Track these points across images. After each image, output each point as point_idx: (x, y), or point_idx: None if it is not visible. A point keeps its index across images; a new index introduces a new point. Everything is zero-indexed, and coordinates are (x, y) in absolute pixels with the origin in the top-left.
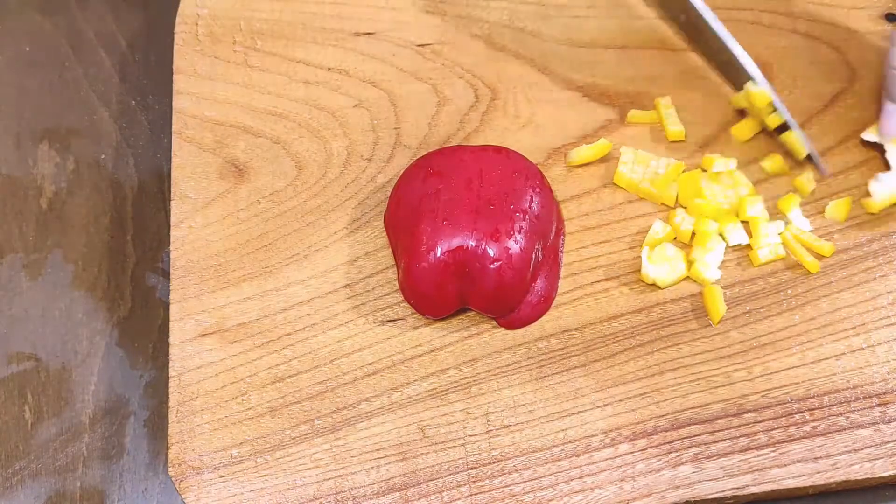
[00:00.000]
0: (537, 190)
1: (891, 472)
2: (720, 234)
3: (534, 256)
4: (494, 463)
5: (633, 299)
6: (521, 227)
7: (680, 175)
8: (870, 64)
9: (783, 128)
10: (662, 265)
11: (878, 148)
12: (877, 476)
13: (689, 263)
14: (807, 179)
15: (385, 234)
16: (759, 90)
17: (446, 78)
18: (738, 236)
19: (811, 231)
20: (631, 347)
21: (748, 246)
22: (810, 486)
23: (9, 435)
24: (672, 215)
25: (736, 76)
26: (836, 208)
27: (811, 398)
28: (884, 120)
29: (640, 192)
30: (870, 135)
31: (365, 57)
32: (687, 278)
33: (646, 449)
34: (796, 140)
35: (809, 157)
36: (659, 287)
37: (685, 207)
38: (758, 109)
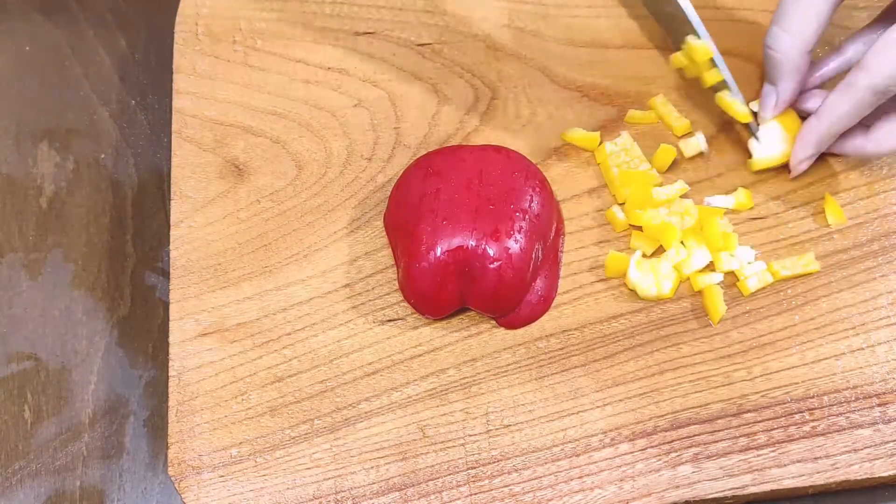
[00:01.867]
0: (537, 190)
1: (890, 473)
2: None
3: (534, 256)
4: (494, 463)
5: (633, 299)
6: (521, 227)
7: (649, 183)
8: None
9: (720, 87)
10: (648, 275)
11: None
12: (876, 476)
13: (680, 270)
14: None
15: (385, 234)
16: (701, 44)
17: (446, 78)
18: (702, 257)
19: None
20: (631, 347)
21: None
22: (810, 486)
23: (8, 434)
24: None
25: (679, 31)
26: (836, 209)
27: (811, 398)
28: (760, 104)
29: (607, 175)
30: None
31: (365, 56)
32: (685, 281)
33: (645, 449)
34: (733, 101)
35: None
36: (639, 296)
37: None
38: (697, 65)
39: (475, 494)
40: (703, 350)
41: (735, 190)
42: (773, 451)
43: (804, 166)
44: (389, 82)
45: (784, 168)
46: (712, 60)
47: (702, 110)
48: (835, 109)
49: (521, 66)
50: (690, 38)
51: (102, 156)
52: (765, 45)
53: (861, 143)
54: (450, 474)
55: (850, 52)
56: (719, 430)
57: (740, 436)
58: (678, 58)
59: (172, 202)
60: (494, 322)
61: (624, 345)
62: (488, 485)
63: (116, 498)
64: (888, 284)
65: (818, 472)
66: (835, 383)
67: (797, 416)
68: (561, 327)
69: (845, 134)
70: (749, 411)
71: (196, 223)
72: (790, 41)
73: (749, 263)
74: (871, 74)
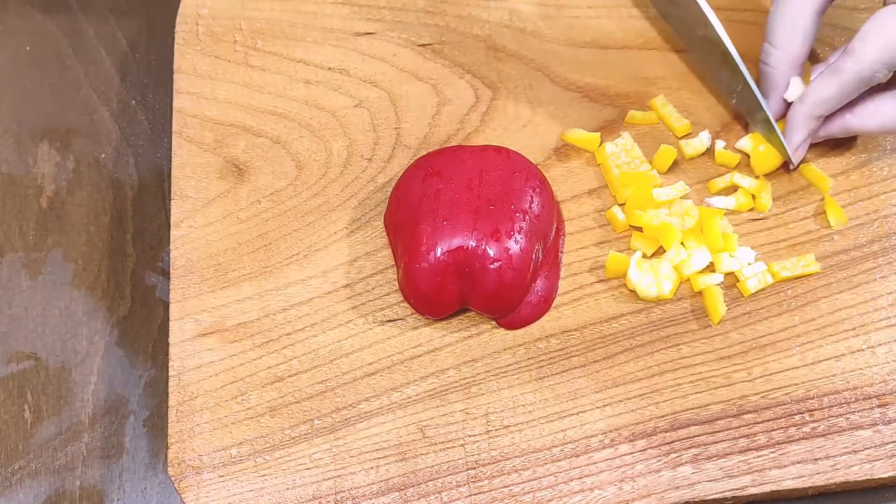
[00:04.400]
0: (537, 190)
1: (890, 474)
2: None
3: (534, 256)
4: (494, 463)
5: (633, 300)
6: (521, 228)
7: (649, 184)
8: None
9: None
10: (648, 275)
11: (877, 149)
12: (876, 477)
13: (680, 271)
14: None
15: (385, 234)
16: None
17: (447, 78)
18: (702, 258)
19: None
20: (631, 348)
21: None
22: (809, 487)
23: (8, 434)
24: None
25: (692, 29)
26: (837, 210)
27: (811, 399)
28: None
29: (607, 176)
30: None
31: (365, 57)
32: (687, 280)
33: (645, 449)
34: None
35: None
36: (639, 297)
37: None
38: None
39: (475, 495)
40: (703, 351)
41: (735, 191)
42: (772, 452)
43: (801, 152)
44: (390, 83)
45: (784, 169)
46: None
47: (702, 111)
48: (820, 93)
49: (522, 67)
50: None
51: (103, 155)
52: (759, 60)
53: (846, 120)
54: (450, 475)
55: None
56: (719, 431)
57: (740, 437)
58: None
59: (173, 202)
60: (494, 322)
61: (624, 345)
62: (488, 485)
63: (116, 498)
64: (888, 286)
65: (818, 473)
66: (835, 384)
67: (797, 417)
68: (561, 328)
69: (828, 118)
70: (749, 412)
71: (196, 223)
72: (779, 56)
73: (749, 264)
74: (857, 60)
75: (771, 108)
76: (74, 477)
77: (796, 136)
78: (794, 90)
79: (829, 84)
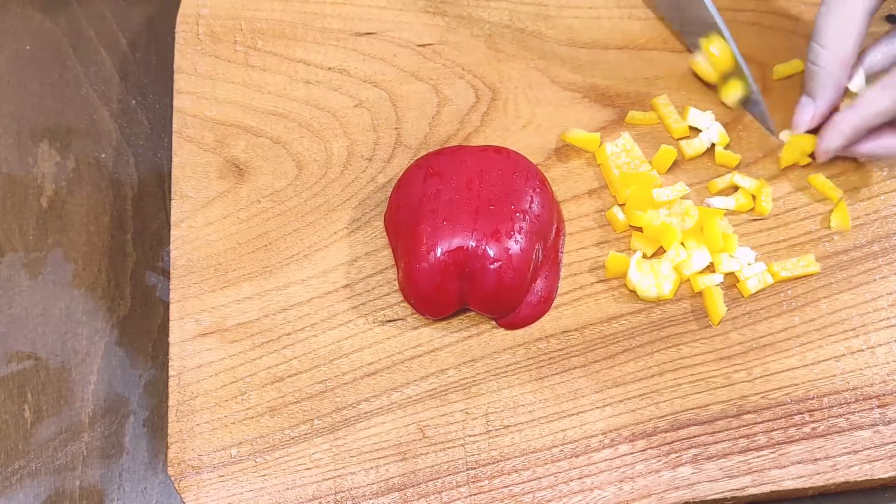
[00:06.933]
0: (537, 190)
1: (890, 474)
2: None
3: (534, 257)
4: (494, 463)
5: (633, 300)
6: (521, 228)
7: (649, 184)
8: None
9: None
10: (648, 275)
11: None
12: (876, 477)
13: (680, 271)
14: (766, 199)
15: (385, 234)
16: (723, 49)
17: (447, 78)
18: (702, 258)
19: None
20: (631, 348)
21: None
22: (809, 488)
23: (8, 434)
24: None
25: (698, 33)
26: (844, 215)
27: (811, 399)
28: (797, 113)
29: (607, 176)
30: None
31: (366, 57)
32: (686, 281)
33: (645, 450)
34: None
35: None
36: (639, 297)
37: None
38: (719, 73)
39: (475, 495)
40: (703, 351)
41: (736, 191)
42: (772, 453)
43: (830, 155)
44: (390, 83)
45: (784, 170)
46: (735, 66)
47: (703, 111)
48: (874, 104)
49: (522, 67)
50: (712, 47)
51: (103, 155)
52: (807, 60)
53: (893, 143)
54: (450, 475)
55: (869, 59)
56: (719, 432)
57: (740, 437)
58: (696, 63)
59: (173, 202)
60: (494, 323)
61: (624, 346)
62: (488, 485)
63: (116, 497)
64: (888, 286)
65: (818, 474)
66: (834, 385)
67: (797, 418)
68: (561, 328)
69: (876, 133)
70: (749, 412)
71: (196, 223)
72: (828, 56)
73: (749, 265)
74: None
75: (817, 110)
76: (74, 477)
77: (836, 143)
78: (858, 81)
79: (884, 97)
